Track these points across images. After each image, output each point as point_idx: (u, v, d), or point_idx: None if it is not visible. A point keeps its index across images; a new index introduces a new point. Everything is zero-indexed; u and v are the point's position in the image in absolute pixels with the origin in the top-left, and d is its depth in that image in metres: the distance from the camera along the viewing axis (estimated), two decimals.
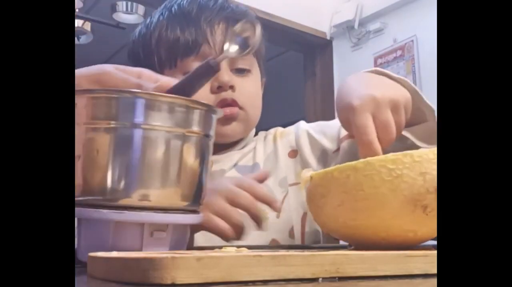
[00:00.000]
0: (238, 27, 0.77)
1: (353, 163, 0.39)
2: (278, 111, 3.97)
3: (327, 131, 0.81)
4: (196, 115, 0.46)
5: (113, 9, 2.69)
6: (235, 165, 0.82)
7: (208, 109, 0.47)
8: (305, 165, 0.81)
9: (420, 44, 2.43)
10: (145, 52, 0.79)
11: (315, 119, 3.29)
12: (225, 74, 0.75)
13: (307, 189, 0.44)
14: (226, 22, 0.77)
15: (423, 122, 0.64)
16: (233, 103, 0.76)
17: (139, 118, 0.43)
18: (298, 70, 3.17)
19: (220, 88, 0.75)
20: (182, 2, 0.80)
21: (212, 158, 0.78)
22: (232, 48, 0.75)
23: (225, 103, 0.75)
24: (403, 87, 0.59)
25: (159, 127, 0.44)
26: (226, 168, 0.81)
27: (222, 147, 0.81)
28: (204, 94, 0.74)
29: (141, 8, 2.83)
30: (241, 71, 0.79)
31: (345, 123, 0.58)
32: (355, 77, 0.63)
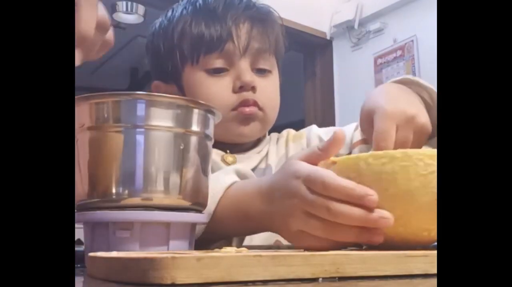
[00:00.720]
0: (262, 27, 0.77)
1: (391, 151, 0.39)
2: (278, 111, 3.97)
3: None
4: (195, 115, 0.46)
5: (113, 9, 2.69)
6: (255, 168, 0.81)
7: (207, 110, 0.48)
8: None
9: (420, 44, 2.43)
10: (166, 45, 0.78)
11: (315, 119, 3.27)
12: (248, 74, 0.75)
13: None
14: (251, 21, 0.77)
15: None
16: (254, 104, 0.76)
17: (140, 119, 0.44)
18: (298, 70, 3.17)
19: (241, 88, 0.75)
20: None
21: (233, 158, 0.78)
22: (255, 46, 0.75)
23: (246, 104, 0.75)
24: (429, 114, 0.59)
25: (160, 127, 0.44)
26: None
27: (241, 149, 0.81)
28: (226, 93, 0.75)
29: (141, 8, 2.83)
30: (262, 72, 0.78)
31: (366, 123, 0.57)
32: (397, 86, 0.63)
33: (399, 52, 2.53)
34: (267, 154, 0.84)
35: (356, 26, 2.73)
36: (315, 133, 0.84)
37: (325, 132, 0.84)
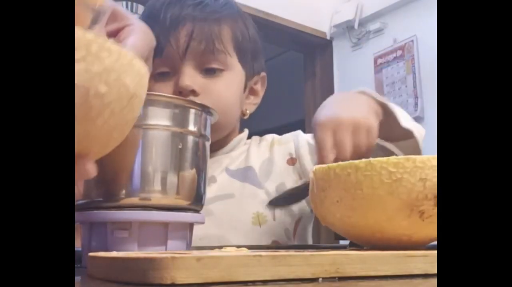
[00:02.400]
0: (207, 25, 0.74)
1: (356, 161, 0.40)
2: (278, 111, 3.97)
3: None
4: (193, 115, 0.46)
5: None
6: (225, 169, 0.81)
7: (204, 110, 0.48)
8: (304, 172, 0.81)
9: (420, 44, 2.43)
10: None
11: None
12: (185, 78, 0.72)
13: (310, 181, 0.44)
14: (192, 21, 0.73)
15: (410, 138, 0.66)
16: None
17: (138, 118, 0.44)
18: (298, 70, 3.17)
19: (180, 93, 0.72)
20: (155, 4, 0.77)
21: None
22: (197, 47, 0.71)
23: None
24: (374, 112, 0.62)
25: (158, 126, 0.44)
26: (216, 174, 0.80)
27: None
28: None
29: (141, 8, 2.82)
30: (211, 72, 0.75)
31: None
32: (336, 95, 0.68)
33: (399, 52, 2.53)
34: (248, 155, 0.83)
35: (356, 26, 2.73)
36: (303, 138, 0.84)
37: (312, 137, 0.84)
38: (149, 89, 0.74)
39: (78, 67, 0.30)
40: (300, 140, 0.83)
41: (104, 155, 0.36)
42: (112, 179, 0.44)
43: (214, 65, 0.75)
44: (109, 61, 0.31)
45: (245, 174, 0.80)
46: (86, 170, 0.34)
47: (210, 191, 0.76)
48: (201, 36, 0.73)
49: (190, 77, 0.72)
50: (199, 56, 0.74)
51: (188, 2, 0.75)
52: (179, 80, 0.72)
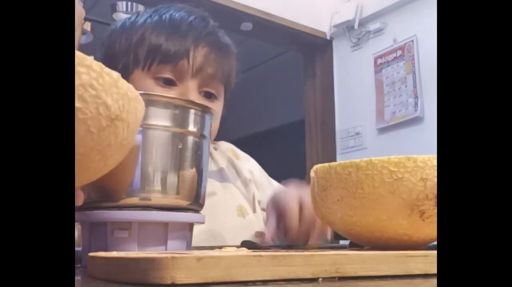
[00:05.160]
0: (219, 55, 0.81)
1: (357, 160, 0.40)
2: (278, 111, 3.97)
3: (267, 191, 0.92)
4: (193, 115, 0.47)
5: (113, 9, 2.69)
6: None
7: (204, 110, 0.48)
8: (258, 187, 0.93)
9: (420, 44, 2.43)
10: (122, 45, 0.79)
11: (315, 119, 3.26)
12: (193, 94, 0.77)
13: (311, 180, 0.45)
14: (210, 46, 0.80)
15: None
16: None
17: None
18: (298, 70, 3.17)
19: None
20: (174, 14, 0.81)
21: None
22: (208, 71, 0.77)
23: None
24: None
25: (158, 126, 0.44)
26: None
27: None
28: None
29: (141, 8, 2.82)
30: (209, 95, 0.81)
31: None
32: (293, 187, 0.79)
33: (399, 52, 2.53)
34: (213, 158, 0.91)
35: (356, 26, 2.73)
36: (253, 166, 0.95)
37: (259, 169, 0.96)
38: (149, 90, 0.76)
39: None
40: (247, 166, 0.94)
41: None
42: (113, 179, 0.44)
43: (212, 90, 0.81)
44: (86, 77, 0.30)
45: (220, 175, 0.89)
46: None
47: None
48: (213, 62, 0.79)
49: (196, 94, 0.78)
50: (205, 79, 0.79)
51: (209, 28, 0.82)
52: (187, 94, 0.76)
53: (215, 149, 0.94)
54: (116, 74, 0.33)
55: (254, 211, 0.89)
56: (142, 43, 0.77)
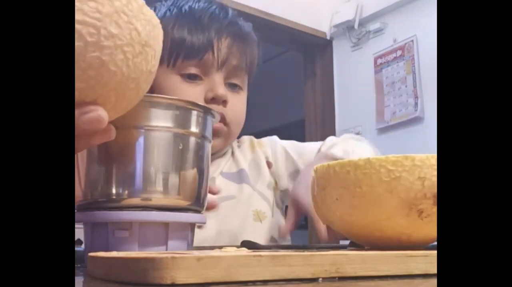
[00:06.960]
0: (242, 45, 0.79)
1: (355, 159, 0.40)
2: (278, 111, 3.97)
3: (305, 154, 0.86)
4: (194, 116, 0.46)
5: None
6: (221, 173, 0.85)
7: (206, 112, 0.48)
8: (276, 177, 0.87)
9: (420, 44, 2.43)
10: None
11: (315, 119, 3.26)
12: (221, 88, 0.76)
13: (311, 180, 0.45)
14: (233, 37, 0.78)
15: None
16: (221, 119, 0.77)
17: (141, 120, 0.44)
18: (298, 70, 3.17)
19: (213, 100, 0.76)
20: (194, 6, 0.79)
21: None
22: (233, 62, 0.77)
23: None
24: None
25: (159, 127, 0.44)
26: (215, 175, 0.84)
27: None
28: (198, 101, 0.75)
29: None
30: (234, 87, 0.80)
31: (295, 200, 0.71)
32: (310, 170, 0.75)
33: (399, 52, 2.53)
34: (234, 159, 0.87)
35: (356, 26, 2.73)
36: (281, 145, 0.88)
37: (290, 146, 0.89)
38: (176, 87, 0.75)
39: (89, 5, 0.30)
40: (277, 147, 0.88)
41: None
42: (114, 180, 0.44)
43: (237, 82, 0.80)
44: (118, 4, 0.31)
45: (239, 176, 0.85)
46: (99, 115, 0.33)
47: None
48: (237, 53, 0.78)
49: (223, 88, 0.77)
50: (230, 70, 0.78)
51: (229, 17, 0.80)
52: (215, 87, 0.75)
53: (239, 146, 0.91)
54: (141, 1, 0.33)
55: (273, 215, 0.85)
56: (164, 38, 0.75)
